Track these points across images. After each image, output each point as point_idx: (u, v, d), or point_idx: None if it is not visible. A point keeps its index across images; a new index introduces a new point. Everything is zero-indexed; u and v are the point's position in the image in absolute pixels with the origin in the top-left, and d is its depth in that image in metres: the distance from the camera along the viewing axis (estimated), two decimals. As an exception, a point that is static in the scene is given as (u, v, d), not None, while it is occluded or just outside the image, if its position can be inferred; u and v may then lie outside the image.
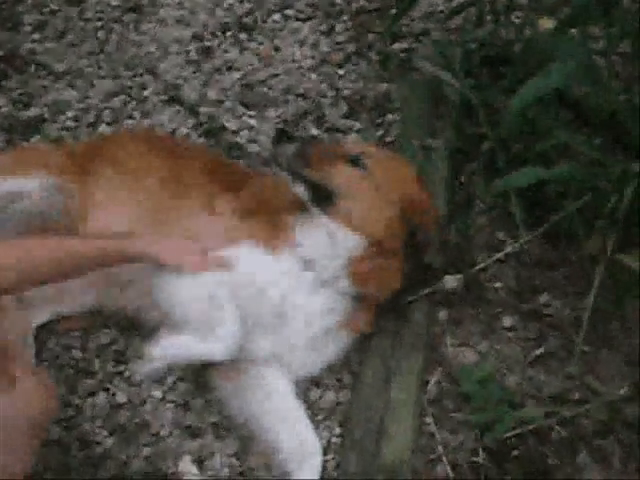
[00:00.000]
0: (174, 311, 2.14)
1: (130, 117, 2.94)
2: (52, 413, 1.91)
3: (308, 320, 2.17)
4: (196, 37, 3.19)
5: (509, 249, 2.41)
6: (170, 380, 2.29)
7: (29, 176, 2.28)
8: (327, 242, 2.13)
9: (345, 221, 2.12)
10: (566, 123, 2.24)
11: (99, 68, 3.12)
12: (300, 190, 2.15)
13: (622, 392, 2.14)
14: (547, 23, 2.41)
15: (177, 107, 2.94)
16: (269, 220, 2.21)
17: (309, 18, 3.24)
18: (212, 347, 2.05)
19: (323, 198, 2.13)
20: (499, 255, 2.39)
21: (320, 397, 2.25)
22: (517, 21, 2.63)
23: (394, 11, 3.01)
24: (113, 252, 2.05)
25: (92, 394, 2.29)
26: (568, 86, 2.01)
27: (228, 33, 3.21)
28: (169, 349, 2.06)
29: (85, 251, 2.01)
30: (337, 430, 2.19)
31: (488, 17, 2.73)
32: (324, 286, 2.16)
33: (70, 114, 2.95)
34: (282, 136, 2.17)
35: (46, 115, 2.95)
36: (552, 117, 2.21)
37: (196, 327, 2.07)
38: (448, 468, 2.09)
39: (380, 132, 2.81)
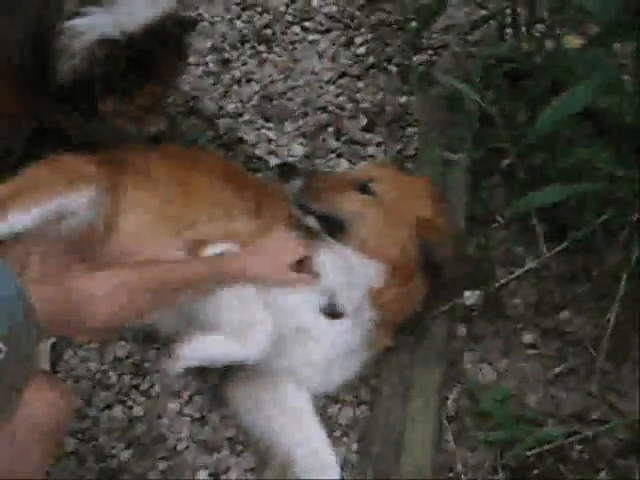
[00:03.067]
0: (207, 312, 2.11)
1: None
2: (67, 424, 1.88)
3: (330, 342, 2.16)
4: (215, 48, 3.19)
5: (529, 265, 2.39)
6: (187, 394, 2.28)
7: (77, 191, 2.26)
8: (345, 271, 2.12)
9: (360, 248, 2.10)
10: (588, 137, 2.21)
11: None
12: (311, 222, 2.15)
13: (644, 412, 2.10)
14: (573, 41, 2.39)
15: (196, 118, 2.94)
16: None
17: (328, 30, 3.22)
18: (246, 348, 2.02)
19: (335, 228, 2.13)
20: (519, 272, 2.37)
21: (338, 413, 2.23)
22: (538, 35, 2.61)
23: (414, 24, 3.01)
24: (215, 275, 2.07)
25: (108, 407, 2.30)
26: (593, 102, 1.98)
27: (247, 45, 3.21)
28: (202, 350, 2.03)
29: (190, 276, 2.04)
30: (355, 446, 2.18)
31: (508, 30, 2.71)
32: (347, 316, 2.15)
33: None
34: (286, 171, 2.17)
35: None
36: (575, 132, 2.18)
37: (231, 328, 2.04)
38: (467, 486, 2.07)
39: (399, 145, 2.79)
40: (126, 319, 1.99)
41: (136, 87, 2.40)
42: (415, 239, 2.10)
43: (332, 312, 2.14)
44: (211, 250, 2.15)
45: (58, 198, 2.24)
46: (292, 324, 2.15)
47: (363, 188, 2.14)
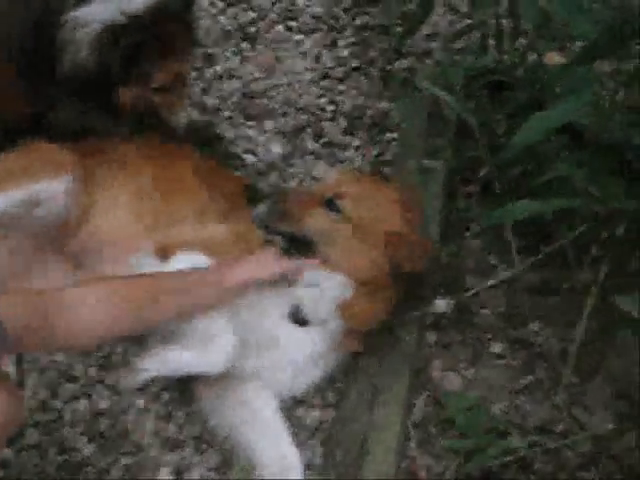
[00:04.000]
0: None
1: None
2: (14, 425, 1.77)
3: (296, 347, 2.16)
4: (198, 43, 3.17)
5: (502, 276, 2.40)
6: (153, 390, 2.27)
7: (51, 179, 2.24)
8: (313, 285, 2.11)
9: (329, 266, 2.10)
10: (566, 152, 2.23)
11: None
12: (279, 241, 2.13)
13: (608, 426, 2.12)
14: (555, 58, 2.40)
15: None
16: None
17: (312, 31, 3.23)
18: (209, 362, 2.02)
19: (303, 246, 2.11)
20: (492, 281, 2.38)
21: (305, 415, 2.22)
22: (521, 48, 2.62)
23: (398, 29, 3.01)
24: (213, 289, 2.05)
25: (73, 399, 2.26)
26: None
27: (231, 41, 3.20)
28: (163, 362, 2.01)
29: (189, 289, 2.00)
30: (319, 449, 2.17)
31: (492, 41, 2.72)
32: (314, 325, 2.15)
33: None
34: (250, 195, 2.15)
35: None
36: (553, 148, 2.20)
37: (192, 340, 2.03)
38: (430, 494, 2.07)
39: (378, 150, 2.79)
40: (103, 338, 1.98)
41: (152, 69, 2.37)
42: (384, 253, 2.09)
43: (299, 320, 2.14)
44: (180, 257, 2.13)
45: (31, 184, 2.22)
46: (259, 329, 2.15)
47: (330, 205, 2.11)
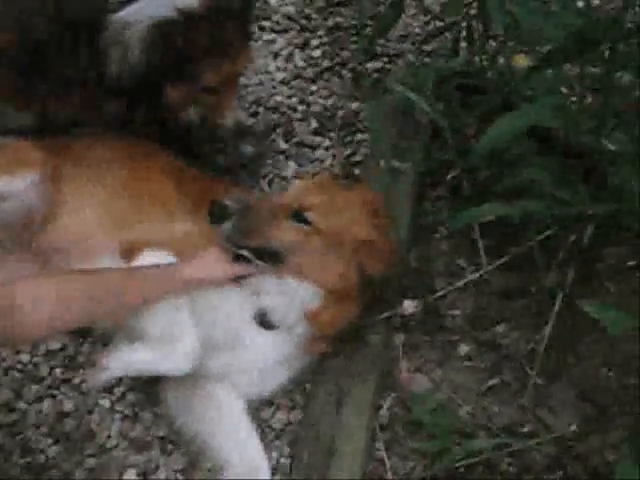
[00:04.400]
0: (135, 321, 2.09)
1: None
2: None
3: (262, 350, 2.16)
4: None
5: (469, 277, 2.41)
6: (119, 390, 2.25)
7: (17, 174, 2.21)
8: (281, 292, 2.10)
9: (298, 275, 2.08)
10: (534, 156, 2.24)
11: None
12: (246, 254, 2.08)
13: (573, 428, 2.14)
14: (522, 61, 2.41)
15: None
16: None
17: (285, 31, 3.21)
18: (171, 363, 2.03)
19: (271, 259, 2.08)
20: (460, 284, 2.39)
21: (271, 416, 2.23)
22: (491, 50, 2.64)
23: (370, 30, 3.01)
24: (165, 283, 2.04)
25: (38, 400, 2.25)
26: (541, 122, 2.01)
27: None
28: (126, 362, 2.02)
29: (140, 285, 2.00)
30: (286, 450, 2.17)
31: (463, 44, 2.73)
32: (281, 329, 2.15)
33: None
34: (216, 213, 2.05)
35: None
36: (521, 151, 2.21)
37: (155, 340, 2.04)
38: (396, 495, 2.07)
39: (349, 151, 2.79)
40: (58, 329, 1.97)
41: (203, 69, 2.29)
42: (353, 261, 2.08)
43: (265, 323, 2.13)
44: (146, 256, 2.12)
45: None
46: (224, 330, 2.14)
47: (297, 217, 2.07)
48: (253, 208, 2.06)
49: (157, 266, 2.07)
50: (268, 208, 2.09)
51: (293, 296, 2.09)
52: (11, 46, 2.33)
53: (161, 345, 2.03)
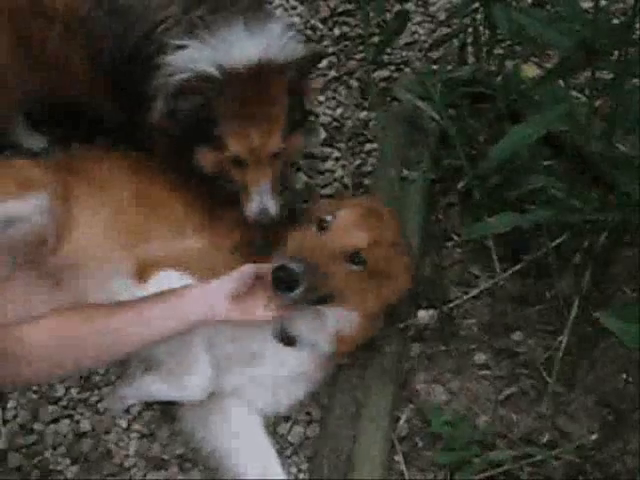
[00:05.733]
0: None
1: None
2: None
3: (280, 365, 2.16)
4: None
5: (484, 285, 2.40)
6: (136, 409, 2.25)
7: (24, 197, 2.20)
8: (313, 321, 2.10)
9: (336, 304, 2.07)
10: (546, 165, 2.23)
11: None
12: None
13: (593, 437, 2.12)
14: (531, 71, 2.39)
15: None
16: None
17: (291, 42, 3.20)
18: (186, 394, 2.07)
19: (326, 300, 2.05)
20: (474, 292, 2.38)
21: (288, 431, 2.22)
22: (499, 55, 2.62)
23: (376, 39, 3.00)
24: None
25: (55, 421, 2.25)
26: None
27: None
28: (143, 392, 2.09)
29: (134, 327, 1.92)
30: (305, 465, 2.16)
31: (470, 49, 2.72)
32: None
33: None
34: (287, 281, 1.93)
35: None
36: (532, 158, 2.20)
37: (170, 371, 2.07)
38: (416, 507, 2.06)
39: (358, 161, 2.78)
40: (66, 371, 1.97)
41: (227, 135, 2.09)
42: (386, 287, 2.10)
43: (285, 339, 2.13)
44: (161, 277, 2.11)
45: (6, 203, 2.19)
46: (241, 346, 2.14)
47: (355, 260, 2.02)
48: (317, 265, 1.96)
49: (168, 302, 1.97)
50: (326, 259, 2.00)
51: (325, 321, 2.09)
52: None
53: (176, 377, 2.06)
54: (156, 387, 2.07)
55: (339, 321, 2.09)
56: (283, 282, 1.92)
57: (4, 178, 2.26)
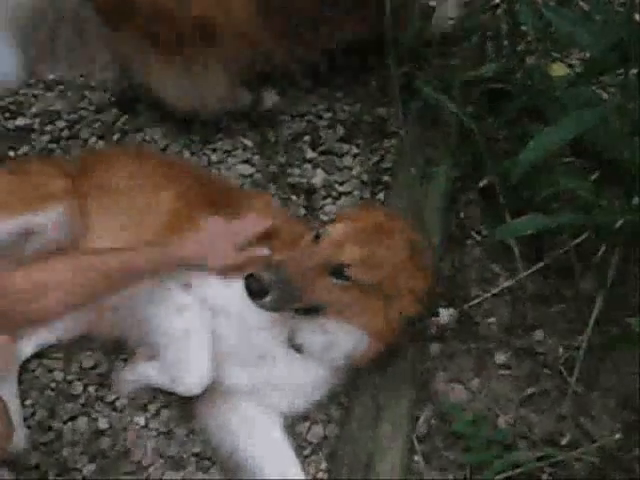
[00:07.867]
0: (155, 336, 2.14)
1: (122, 131, 2.88)
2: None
3: (295, 371, 2.14)
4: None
5: (504, 284, 2.37)
6: (154, 407, 2.24)
7: (41, 210, 2.20)
8: (322, 335, 2.07)
9: (339, 319, 2.04)
10: (571, 165, 2.20)
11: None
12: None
13: (616, 437, 2.09)
14: (560, 70, 2.36)
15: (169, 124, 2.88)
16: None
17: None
18: (181, 389, 2.11)
19: (312, 312, 2.05)
20: (494, 291, 2.35)
21: (307, 431, 2.20)
22: (520, 50, 2.59)
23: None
24: (162, 261, 2.06)
25: (73, 418, 2.24)
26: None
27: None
28: (142, 375, 2.18)
29: (139, 262, 2.02)
30: (324, 465, 2.15)
31: (489, 46, 2.69)
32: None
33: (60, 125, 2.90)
34: (255, 290, 1.95)
35: (35, 125, 2.90)
36: (558, 162, 2.17)
37: (168, 365, 2.12)
38: (436, 508, 2.05)
39: (376, 158, 2.76)
40: (75, 305, 1.97)
41: None
42: (394, 304, 2.03)
43: (295, 346, 2.11)
44: None
45: (23, 216, 2.19)
46: (251, 346, 2.14)
47: (337, 275, 1.98)
48: (291, 276, 1.95)
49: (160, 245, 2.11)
50: (305, 270, 1.97)
51: (335, 338, 2.06)
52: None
53: (173, 372, 2.10)
54: (155, 376, 2.16)
55: (346, 338, 2.06)
56: (253, 291, 1.94)
57: (22, 190, 2.25)
